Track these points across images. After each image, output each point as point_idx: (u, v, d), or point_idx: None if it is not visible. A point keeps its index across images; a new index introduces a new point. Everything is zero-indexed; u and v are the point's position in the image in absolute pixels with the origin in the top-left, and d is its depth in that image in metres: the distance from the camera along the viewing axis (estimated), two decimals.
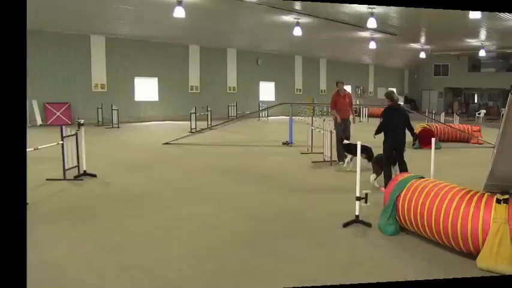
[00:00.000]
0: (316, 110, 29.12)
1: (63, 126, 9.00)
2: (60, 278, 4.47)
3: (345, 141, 10.57)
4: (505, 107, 6.97)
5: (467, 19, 18.53)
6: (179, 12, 17.23)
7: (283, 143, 14.95)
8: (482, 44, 28.31)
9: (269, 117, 26.61)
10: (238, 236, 5.84)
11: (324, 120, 12.08)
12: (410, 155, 13.40)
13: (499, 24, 21.08)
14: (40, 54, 19.94)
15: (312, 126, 12.99)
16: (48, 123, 20.16)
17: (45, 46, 20.27)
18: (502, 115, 7.17)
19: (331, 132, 11.22)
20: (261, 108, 25.65)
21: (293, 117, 15.48)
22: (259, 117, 26.08)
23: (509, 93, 6.13)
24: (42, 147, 8.80)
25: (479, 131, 17.24)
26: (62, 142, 8.77)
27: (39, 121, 20.09)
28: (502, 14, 17.30)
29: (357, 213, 6.40)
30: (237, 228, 6.16)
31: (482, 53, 29.94)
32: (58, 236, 5.68)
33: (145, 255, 5.09)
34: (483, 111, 33.04)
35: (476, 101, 41.95)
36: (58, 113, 20.84)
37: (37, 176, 8.79)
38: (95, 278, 4.48)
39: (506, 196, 5.07)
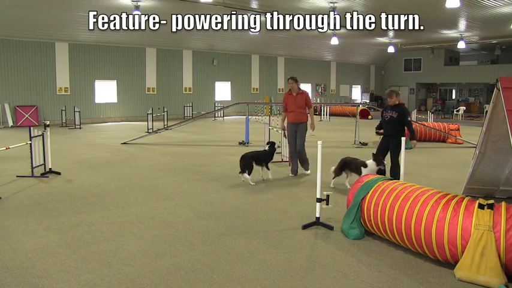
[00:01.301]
0: (274, 109, 28.66)
1: (31, 128, 9.59)
2: (29, 268, 4.75)
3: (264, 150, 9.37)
4: (489, 103, 6.51)
5: (444, 9, 17.75)
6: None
7: (240, 143, 14.74)
8: (461, 35, 26.92)
9: (225, 117, 26.69)
10: (194, 235, 5.88)
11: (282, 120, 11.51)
12: None
13: (482, 12, 19.79)
14: (11, 61, 21.74)
15: (269, 125, 12.41)
16: (18, 124, 21.72)
17: (16, 54, 21.88)
18: (486, 112, 6.71)
19: None
20: (216, 108, 25.18)
21: (250, 117, 15.01)
22: (215, 117, 25.95)
23: (495, 88, 5.61)
24: (13, 146, 9.78)
25: (457, 129, 16.24)
26: (30, 142, 9.40)
27: (10, 123, 21.56)
28: (484, 1, 16.64)
29: (317, 215, 6.21)
30: (193, 227, 6.19)
31: (461, 45, 28.06)
32: (26, 228, 6.10)
33: (104, 250, 5.28)
34: (462, 108, 31.19)
35: (454, 97, 39.78)
36: (27, 115, 22.15)
37: (8, 173, 9.79)
38: (59, 268, 4.75)
39: (491, 201, 4.51)
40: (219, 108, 25.70)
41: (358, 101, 36.42)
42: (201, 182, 9.13)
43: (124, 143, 14.86)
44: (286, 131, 9.93)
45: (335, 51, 33.73)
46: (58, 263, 4.87)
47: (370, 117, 26.82)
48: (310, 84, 34.61)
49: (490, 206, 4.56)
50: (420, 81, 38.27)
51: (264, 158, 9.08)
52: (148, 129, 18.22)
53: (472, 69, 36.45)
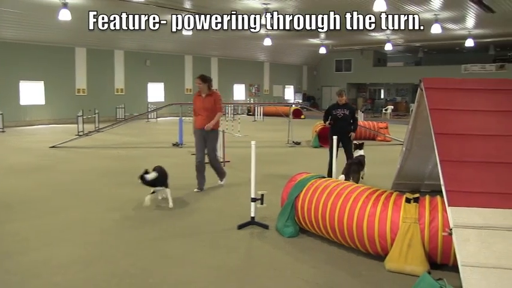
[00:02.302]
0: None
1: None
2: None
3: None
4: (414, 103, 6.83)
5: (371, 12, 18.24)
6: (64, 15, 16.84)
7: (174, 144, 14.51)
8: (388, 37, 27.90)
9: (158, 119, 26.24)
10: (128, 239, 5.74)
11: None
12: (310, 154, 13.40)
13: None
14: None
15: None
16: None
17: None
18: (412, 111, 6.99)
19: (223, 132, 10.60)
20: (149, 110, 24.68)
21: (183, 118, 14.82)
22: (147, 118, 25.39)
23: (419, 88, 5.90)
24: None
25: (386, 127, 16.95)
26: None
27: None
28: (407, 7, 17.30)
29: (252, 215, 6.21)
30: (127, 232, 6.05)
31: (388, 47, 29.20)
32: None
33: (32, 260, 5.01)
34: (390, 107, 32.39)
35: (382, 96, 41.13)
36: None
37: None
38: None
39: (417, 195, 4.79)
40: (152, 109, 25.26)
41: (291, 101, 36.95)
42: (134, 185, 8.80)
43: (53, 147, 14.17)
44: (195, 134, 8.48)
45: (268, 52, 34.03)
46: None
47: (303, 116, 27.30)
48: (244, 85, 34.73)
49: (416, 200, 4.84)
50: (351, 82, 39.07)
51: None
52: (78, 131, 17.42)
53: (399, 70, 37.97)
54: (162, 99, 28.58)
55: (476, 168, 4.59)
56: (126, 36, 24.11)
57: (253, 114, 28.03)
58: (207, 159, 8.49)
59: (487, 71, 31.60)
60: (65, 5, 16.55)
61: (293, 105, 25.93)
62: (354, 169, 8.18)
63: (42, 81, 23.58)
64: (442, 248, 4.52)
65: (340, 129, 9.07)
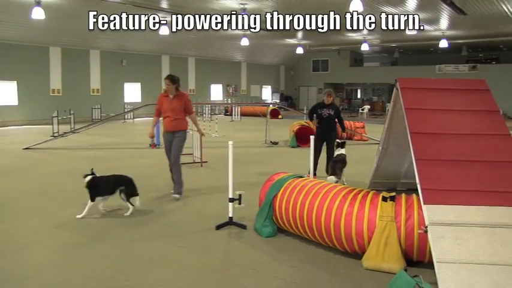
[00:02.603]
0: None
1: None
2: None
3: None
4: (390, 102, 6.92)
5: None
6: (38, 13, 16.41)
7: (151, 145, 14.02)
8: (364, 38, 27.92)
9: (135, 119, 25.93)
10: (105, 241, 5.68)
11: None
12: (288, 153, 13.43)
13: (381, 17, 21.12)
14: None
15: None
16: None
17: None
18: (388, 110, 7.08)
19: (201, 136, 10.56)
20: (126, 110, 24.39)
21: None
22: (124, 119, 25.07)
23: (394, 88, 5.97)
24: None
25: (363, 127, 17.13)
26: None
27: None
28: (383, 8, 17.55)
29: (230, 215, 6.20)
30: (103, 233, 5.98)
31: (364, 47, 29.08)
32: None
33: (5, 265, 4.91)
34: (367, 107, 32.69)
35: (359, 96, 41.57)
36: None
37: None
38: None
39: (393, 193, 4.85)
40: (128, 110, 25.01)
41: (269, 101, 37.03)
42: None
43: (27, 148, 13.89)
44: (153, 139, 8.20)
45: (245, 52, 34.02)
46: None
47: (280, 116, 27.39)
48: (221, 85, 34.66)
49: (392, 198, 4.92)
50: (328, 82, 39.06)
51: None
52: (53, 132, 17.09)
53: (375, 70, 38.37)
54: (139, 100, 28.31)
55: (450, 167, 4.67)
56: (102, 35, 23.80)
57: (231, 115, 28.01)
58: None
59: (460, 71, 32.27)
60: (38, 3, 16.17)
61: (270, 105, 26.04)
62: (340, 166, 8.48)
63: (15, 81, 23.13)
64: (418, 246, 4.59)
65: (325, 128, 9.48)
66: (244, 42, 25.37)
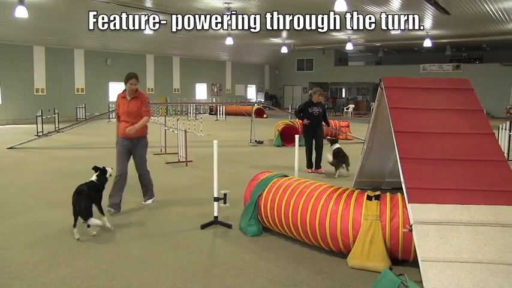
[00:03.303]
0: (170, 110, 28.14)
1: None
2: None
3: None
4: (374, 101, 6.95)
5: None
6: (21, 12, 16.09)
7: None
8: (349, 37, 28.04)
9: None
10: (90, 241, 5.64)
11: (177, 120, 11.36)
12: (272, 153, 13.44)
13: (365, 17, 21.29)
14: None
15: (165, 126, 12.17)
16: None
17: None
18: (372, 109, 7.11)
19: (185, 131, 10.49)
20: (110, 109, 24.23)
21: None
22: (109, 118, 24.76)
23: (379, 87, 5.99)
24: None
25: (347, 126, 17.18)
26: None
27: None
28: (368, 7, 17.57)
29: (215, 214, 6.19)
30: (87, 234, 5.84)
31: (349, 47, 29.27)
32: None
33: None
34: (352, 106, 32.86)
35: (344, 95, 41.54)
36: None
37: None
38: None
39: (378, 192, 4.87)
40: (113, 109, 24.79)
41: (254, 100, 37.02)
42: None
43: (10, 148, 13.74)
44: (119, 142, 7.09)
45: (230, 51, 33.95)
46: None
47: (265, 116, 27.40)
48: (206, 84, 34.55)
49: (377, 197, 4.93)
50: (312, 81, 39.05)
51: (94, 195, 5.92)
52: (38, 132, 17.00)
53: (360, 69, 38.63)
54: None
55: (435, 166, 4.70)
56: (86, 35, 23.61)
57: (216, 114, 27.96)
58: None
59: (444, 71, 32.63)
60: (22, 2, 15.85)
61: (255, 105, 26.00)
62: (347, 159, 9.70)
63: None
64: (403, 244, 4.62)
65: (315, 125, 10.16)
66: (229, 41, 25.32)
